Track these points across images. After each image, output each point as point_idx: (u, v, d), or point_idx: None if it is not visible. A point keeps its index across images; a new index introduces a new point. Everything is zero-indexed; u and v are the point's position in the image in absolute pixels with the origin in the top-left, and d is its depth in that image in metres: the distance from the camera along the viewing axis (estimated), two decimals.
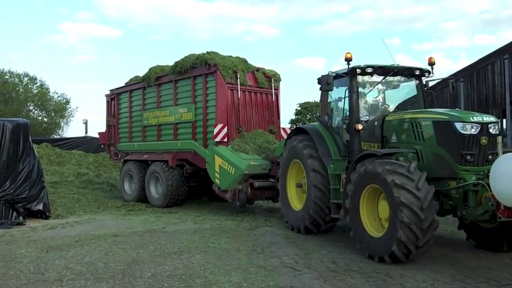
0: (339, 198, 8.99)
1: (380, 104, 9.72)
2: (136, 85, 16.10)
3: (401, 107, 9.70)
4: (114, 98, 17.16)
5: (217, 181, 12.52)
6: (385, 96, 9.78)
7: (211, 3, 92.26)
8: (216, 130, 12.66)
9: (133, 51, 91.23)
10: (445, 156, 7.78)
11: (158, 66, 15.34)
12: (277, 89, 14.20)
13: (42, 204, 12.03)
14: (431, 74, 9.42)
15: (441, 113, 8.18)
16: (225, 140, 12.70)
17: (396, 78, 9.48)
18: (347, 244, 8.56)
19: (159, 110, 15.03)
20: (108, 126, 17.50)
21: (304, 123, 35.23)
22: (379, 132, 8.90)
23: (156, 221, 11.92)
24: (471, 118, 7.71)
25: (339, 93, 9.67)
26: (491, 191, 6.90)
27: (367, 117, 8.96)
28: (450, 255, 7.96)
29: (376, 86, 9.36)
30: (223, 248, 8.51)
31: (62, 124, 50.75)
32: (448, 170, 7.76)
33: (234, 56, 13.84)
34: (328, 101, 9.98)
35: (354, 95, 8.92)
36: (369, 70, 8.91)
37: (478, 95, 23.73)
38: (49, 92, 50.01)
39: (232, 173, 11.99)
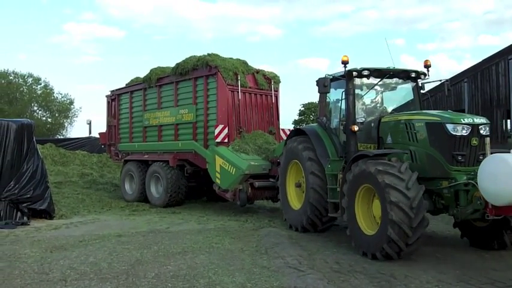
0: (336, 198, 9.21)
1: (376, 105, 9.94)
2: (137, 86, 16.28)
3: (398, 109, 9.88)
4: (114, 98, 17.33)
5: (218, 181, 12.70)
6: (382, 98, 9.98)
7: (215, 3, 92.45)
8: (217, 131, 12.86)
9: (137, 52, 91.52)
10: (437, 156, 8.01)
11: (159, 67, 15.54)
12: (276, 90, 14.41)
13: (46, 204, 12.08)
14: (427, 76, 9.63)
15: (433, 114, 8.40)
16: (226, 140, 12.89)
17: (392, 80, 9.67)
18: (351, 245, 8.53)
19: (159, 111, 15.21)
20: (109, 126, 17.66)
21: (308, 124, 35.25)
22: (375, 133, 9.11)
23: (159, 221, 11.95)
24: (462, 120, 7.94)
25: (337, 95, 9.86)
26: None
27: (363, 119, 9.23)
28: (455, 256, 7.97)
29: (373, 88, 9.57)
30: (227, 249, 8.52)
31: (65, 124, 51.05)
32: (440, 170, 7.98)
33: (234, 57, 14.04)
34: (327, 101, 10.18)
35: (351, 97, 9.15)
36: (365, 73, 9.11)
37: (482, 96, 23.67)
38: (53, 92, 50.28)
39: (233, 173, 12.17)
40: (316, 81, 9.36)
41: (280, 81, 14.58)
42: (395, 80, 9.69)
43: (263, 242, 9.08)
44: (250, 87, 13.78)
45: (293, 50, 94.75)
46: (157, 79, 15.17)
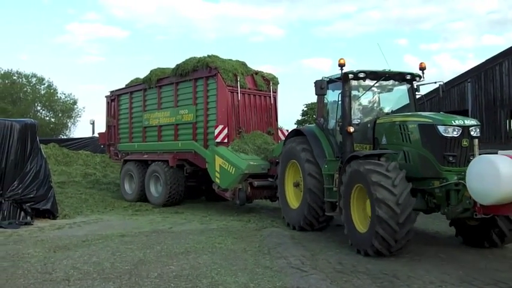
0: (332, 197, 9.49)
1: (372, 107, 10.17)
2: (136, 87, 16.44)
3: (393, 110, 10.15)
4: (114, 99, 17.49)
5: (217, 180, 12.89)
6: (378, 100, 10.22)
7: (218, 3, 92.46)
8: (216, 131, 13.06)
9: (140, 52, 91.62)
10: (429, 157, 8.25)
11: (159, 68, 15.72)
12: (275, 91, 14.63)
13: (49, 204, 12.10)
14: (422, 79, 9.88)
15: (426, 116, 8.67)
16: (226, 140, 13.10)
17: (389, 82, 9.93)
18: None
19: (159, 111, 15.36)
20: (108, 126, 17.80)
21: (311, 124, 35.24)
22: (371, 134, 9.36)
23: (162, 221, 11.98)
24: (453, 122, 8.17)
25: (334, 96, 10.07)
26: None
27: (359, 120, 9.51)
28: (458, 257, 7.99)
29: (369, 90, 9.82)
30: (230, 249, 8.54)
31: (69, 124, 51.13)
32: (432, 170, 8.22)
33: (233, 59, 14.24)
34: (324, 102, 10.40)
35: (347, 99, 9.39)
36: (361, 75, 9.38)
37: (486, 96, 23.60)
38: (57, 92, 50.36)
39: (233, 172, 12.37)
40: (314, 83, 9.57)
41: (278, 83, 14.80)
42: (391, 81, 9.93)
43: (266, 242, 9.11)
44: (249, 89, 13.99)
45: (296, 50, 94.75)
46: (157, 80, 15.34)
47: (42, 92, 49.80)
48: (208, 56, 13.93)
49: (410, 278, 6.64)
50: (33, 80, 49.59)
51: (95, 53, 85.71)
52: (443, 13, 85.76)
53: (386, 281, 6.52)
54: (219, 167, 12.74)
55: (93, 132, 31.99)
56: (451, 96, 25.07)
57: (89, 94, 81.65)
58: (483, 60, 24.25)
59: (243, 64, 14.22)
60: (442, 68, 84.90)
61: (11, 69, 48.42)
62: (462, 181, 7.63)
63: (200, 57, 13.99)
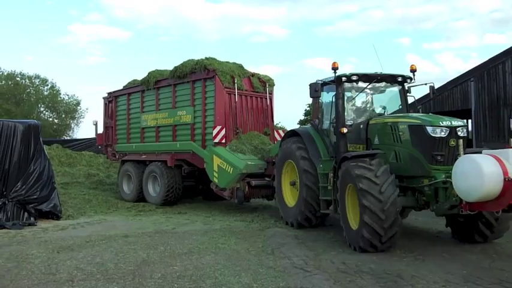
0: (327, 195, 9.87)
1: (365, 108, 10.47)
2: (134, 88, 16.64)
3: (386, 111, 10.41)
4: (111, 100, 17.67)
5: (215, 180, 13.14)
6: (371, 101, 10.54)
7: (220, 4, 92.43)
8: (214, 132, 13.30)
9: (143, 53, 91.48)
10: (419, 156, 8.56)
11: (157, 70, 15.92)
12: (271, 93, 14.94)
13: (53, 205, 12.16)
14: (413, 80, 10.18)
15: (415, 117, 8.99)
16: (223, 141, 13.35)
17: (381, 84, 10.25)
18: None
19: (157, 113, 15.56)
20: (105, 127, 17.96)
21: None
22: (364, 135, 9.66)
23: (166, 221, 12.01)
24: (441, 122, 8.47)
25: (329, 97, 10.37)
26: None
27: (352, 121, 9.82)
28: (462, 256, 8.01)
29: (362, 92, 10.13)
30: (233, 249, 8.56)
31: (72, 125, 51.12)
32: (421, 169, 8.54)
33: (231, 61, 14.49)
34: (319, 104, 10.71)
35: (340, 101, 9.71)
36: (354, 78, 9.71)
37: (489, 95, 23.52)
38: (60, 93, 50.40)
39: (231, 172, 12.63)
40: (309, 86, 9.84)
41: (274, 84, 15.11)
42: (383, 83, 10.24)
43: (269, 243, 9.15)
44: (246, 90, 14.23)
45: (298, 50, 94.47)
46: (155, 81, 15.53)
47: (46, 93, 49.84)
48: (206, 58, 14.16)
49: (414, 277, 6.64)
50: (37, 81, 49.69)
51: (97, 54, 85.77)
52: (446, 12, 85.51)
53: (390, 280, 6.53)
54: (217, 167, 13.00)
55: (96, 133, 32.00)
56: (454, 95, 25.01)
57: (92, 95, 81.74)
58: (486, 59, 24.19)
59: (240, 66, 14.49)
60: (445, 67, 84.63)
61: (14, 71, 48.54)
62: (450, 179, 7.89)
63: (198, 60, 14.22)
